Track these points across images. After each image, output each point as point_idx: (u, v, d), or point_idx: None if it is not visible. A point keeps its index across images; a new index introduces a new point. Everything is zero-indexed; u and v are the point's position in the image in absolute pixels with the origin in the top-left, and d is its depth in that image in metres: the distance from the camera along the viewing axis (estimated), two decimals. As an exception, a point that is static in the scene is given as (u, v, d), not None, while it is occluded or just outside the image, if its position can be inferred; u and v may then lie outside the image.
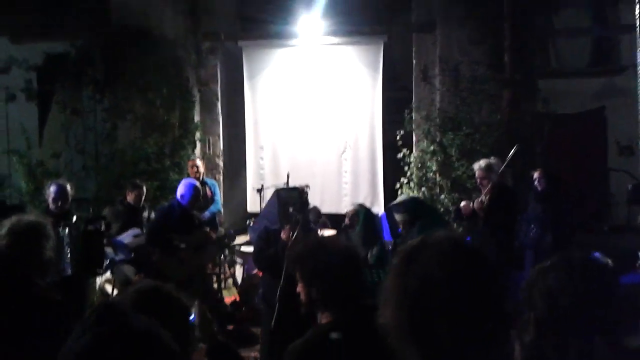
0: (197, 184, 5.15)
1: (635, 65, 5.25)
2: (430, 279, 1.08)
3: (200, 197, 5.34)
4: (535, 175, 6.21)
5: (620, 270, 5.70)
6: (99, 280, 6.70)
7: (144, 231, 6.05)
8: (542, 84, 8.50)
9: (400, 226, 3.99)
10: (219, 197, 7.51)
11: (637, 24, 5.13)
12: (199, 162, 7.38)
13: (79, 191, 8.26)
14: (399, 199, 4.51)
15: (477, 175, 5.55)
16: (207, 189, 7.31)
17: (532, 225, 6.10)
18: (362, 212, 4.98)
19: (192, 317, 1.60)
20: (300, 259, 2.30)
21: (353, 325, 2.08)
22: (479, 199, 5.30)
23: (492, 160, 5.56)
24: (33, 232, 2.62)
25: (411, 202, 3.97)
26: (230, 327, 6.36)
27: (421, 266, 1.10)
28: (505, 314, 1.13)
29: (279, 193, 4.67)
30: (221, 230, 7.20)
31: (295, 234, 4.61)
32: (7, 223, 2.66)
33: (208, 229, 6.28)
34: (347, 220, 5.03)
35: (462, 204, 5.57)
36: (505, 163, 5.32)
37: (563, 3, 9.37)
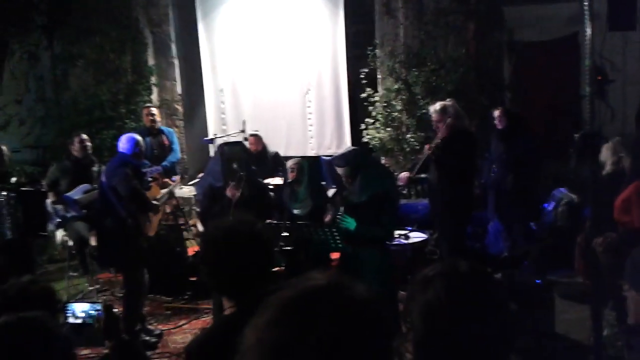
0: (137, 136, 4.84)
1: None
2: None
3: (142, 149, 5.02)
4: (496, 113, 6.01)
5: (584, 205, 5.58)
6: (59, 235, 6.58)
7: (94, 186, 5.83)
8: (510, 12, 8.12)
9: (343, 179, 3.81)
10: (177, 145, 7.23)
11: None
12: (154, 110, 7.07)
13: (35, 139, 8.02)
14: (340, 151, 4.32)
15: (432, 118, 5.36)
16: (165, 138, 7.05)
17: (494, 165, 5.96)
18: (306, 166, 4.79)
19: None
20: (205, 242, 2.14)
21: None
22: (431, 143, 5.15)
23: (448, 102, 5.35)
24: None
25: (351, 154, 3.77)
26: (193, 279, 6.28)
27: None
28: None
29: (222, 148, 4.46)
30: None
31: (241, 190, 4.45)
32: None
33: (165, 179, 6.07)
34: (290, 176, 4.85)
35: (401, 175, 5.49)
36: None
37: None
